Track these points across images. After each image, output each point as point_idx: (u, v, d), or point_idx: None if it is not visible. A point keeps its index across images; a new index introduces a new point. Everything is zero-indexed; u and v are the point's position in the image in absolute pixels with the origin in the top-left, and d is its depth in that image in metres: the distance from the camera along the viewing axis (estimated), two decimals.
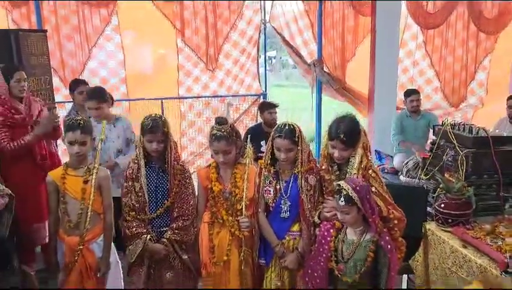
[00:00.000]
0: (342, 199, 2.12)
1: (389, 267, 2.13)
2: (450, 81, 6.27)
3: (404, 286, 3.24)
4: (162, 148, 2.57)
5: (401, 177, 4.16)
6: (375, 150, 5.25)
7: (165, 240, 2.60)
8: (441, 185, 2.94)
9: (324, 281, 2.25)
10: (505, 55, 6.19)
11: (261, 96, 5.92)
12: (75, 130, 2.55)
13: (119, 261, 2.81)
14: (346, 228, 2.24)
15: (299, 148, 2.45)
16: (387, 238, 2.15)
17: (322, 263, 2.23)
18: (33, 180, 3.39)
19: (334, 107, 9.57)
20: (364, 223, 2.18)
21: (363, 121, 6.23)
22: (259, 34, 5.83)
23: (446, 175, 2.96)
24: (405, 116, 5.19)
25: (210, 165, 2.69)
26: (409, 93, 5.15)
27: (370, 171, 2.38)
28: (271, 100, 5.06)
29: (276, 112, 4.71)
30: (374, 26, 5.28)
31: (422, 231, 2.96)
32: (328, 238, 2.24)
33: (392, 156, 4.93)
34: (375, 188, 2.36)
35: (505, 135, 3.30)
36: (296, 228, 2.54)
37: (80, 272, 2.60)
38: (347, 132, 2.34)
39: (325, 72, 5.77)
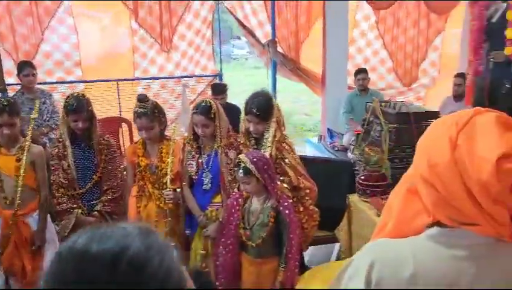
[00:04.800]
0: (241, 170, 2.26)
1: (288, 231, 2.29)
2: (402, 62, 6.40)
3: (335, 254, 3.43)
4: (87, 125, 2.65)
5: (349, 154, 4.34)
6: (328, 129, 5.44)
7: (95, 212, 2.70)
8: (361, 159, 3.12)
9: (235, 247, 2.41)
10: (456, 35, 6.27)
11: (217, 77, 5.98)
12: (2, 113, 2.61)
13: (56, 235, 2.91)
14: (252, 197, 2.39)
15: (216, 124, 2.57)
16: (285, 204, 2.30)
17: (232, 231, 2.39)
18: None
19: (292, 88, 9.59)
20: (267, 191, 2.32)
21: (317, 100, 6.34)
22: (213, 14, 5.86)
23: (367, 149, 3.13)
24: (354, 95, 5.39)
25: (137, 141, 2.80)
26: (356, 72, 5.34)
27: (284, 144, 2.54)
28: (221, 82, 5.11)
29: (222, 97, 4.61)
30: (324, 8, 5.40)
31: (346, 202, 3.14)
32: (237, 207, 2.39)
33: (342, 134, 5.12)
34: (288, 160, 2.53)
35: (425, 111, 3.51)
36: (218, 199, 2.67)
37: (15, 245, 2.70)
38: (260, 107, 2.50)
39: (279, 52, 5.86)
